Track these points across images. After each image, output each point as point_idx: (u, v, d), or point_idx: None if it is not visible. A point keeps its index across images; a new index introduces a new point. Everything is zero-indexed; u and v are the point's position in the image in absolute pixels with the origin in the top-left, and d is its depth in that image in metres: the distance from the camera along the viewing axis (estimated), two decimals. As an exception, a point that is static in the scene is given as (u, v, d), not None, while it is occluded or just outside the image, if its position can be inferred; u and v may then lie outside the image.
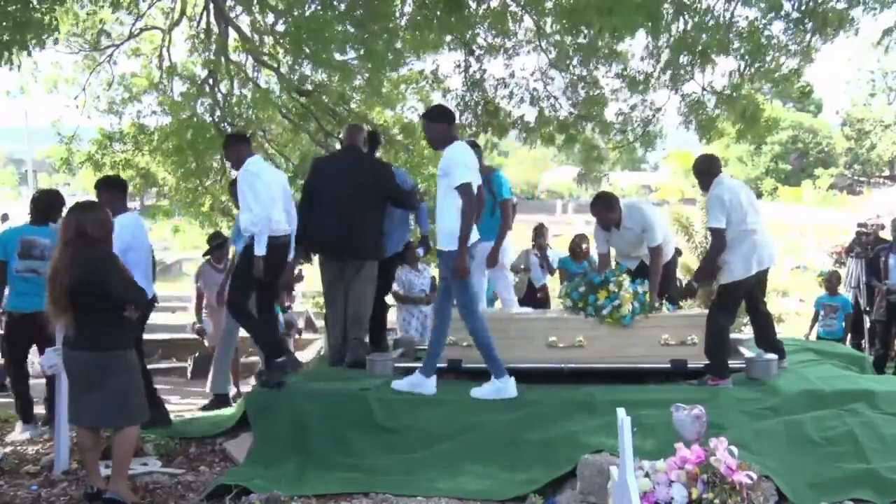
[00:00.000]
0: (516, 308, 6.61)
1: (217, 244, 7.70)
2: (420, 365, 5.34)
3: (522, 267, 8.12)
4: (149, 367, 6.26)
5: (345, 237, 5.80)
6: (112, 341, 4.16)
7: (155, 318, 10.02)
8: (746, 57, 6.42)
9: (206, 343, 7.65)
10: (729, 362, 5.29)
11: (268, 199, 5.15)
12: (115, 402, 4.17)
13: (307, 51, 7.46)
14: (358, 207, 5.77)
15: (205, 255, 7.89)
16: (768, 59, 6.45)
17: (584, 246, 8.09)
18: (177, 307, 14.33)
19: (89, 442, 4.27)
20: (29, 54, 6.35)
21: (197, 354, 7.69)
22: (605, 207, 5.94)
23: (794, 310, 12.93)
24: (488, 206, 6.14)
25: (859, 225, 9.04)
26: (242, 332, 8.20)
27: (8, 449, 5.31)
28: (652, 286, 5.71)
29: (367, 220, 5.83)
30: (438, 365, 5.60)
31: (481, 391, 5.09)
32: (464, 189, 4.79)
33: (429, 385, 5.17)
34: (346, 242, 5.81)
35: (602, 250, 6.21)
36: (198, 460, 4.99)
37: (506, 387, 5.04)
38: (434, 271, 8.02)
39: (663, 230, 6.02)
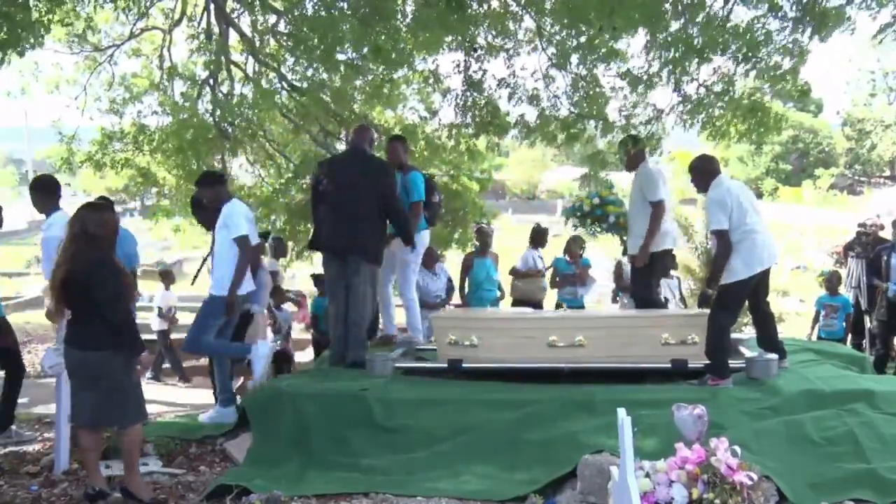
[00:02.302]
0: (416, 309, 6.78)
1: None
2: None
3: (542, 270, 8.11)
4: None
5: (344, 237, 5.82)
6: (102, 341, 4.13)
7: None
8: (745, 52, 6.38)
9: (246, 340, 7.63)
10: (729, 362, 5.28)
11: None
12: (110, 402, 4.18)
13: (311, 52, 7.44)
14: (358, 208, 5.80)
15: None
16: (764, 56, 6.42)
17: (577, 250, 8.10)
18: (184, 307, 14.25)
19: (89, 441, 4.27)
20: (21, 55, 6.33)
21: None
22: (633, 144, 6.38)
23: (794, 310, 12.94)
24: (406, 205, 6.26)
25: (859, 225, 9.03)
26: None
27: (7, 449, 5.32)
28: (644, 242, 5.99)
29: (367, 220, 5.84)
30: (438, 365, 5.63)
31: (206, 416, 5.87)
32: (240, 241, 5.47)
33: (229, 414, 5.69)
34: (346, 242, 5.84)
35: None
36: (198, 460, 5.00)
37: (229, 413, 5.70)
38: (450, 273, 8.02)
39: (664, 194, 6.06)
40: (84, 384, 4.21)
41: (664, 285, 8.28)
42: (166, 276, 10.81)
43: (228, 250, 5.51)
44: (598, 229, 7.28)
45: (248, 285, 5.67)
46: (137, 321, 5.23)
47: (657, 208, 6.02)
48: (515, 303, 8.20)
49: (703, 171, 5.40)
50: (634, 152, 6.35)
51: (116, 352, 4.13)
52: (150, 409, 6.15)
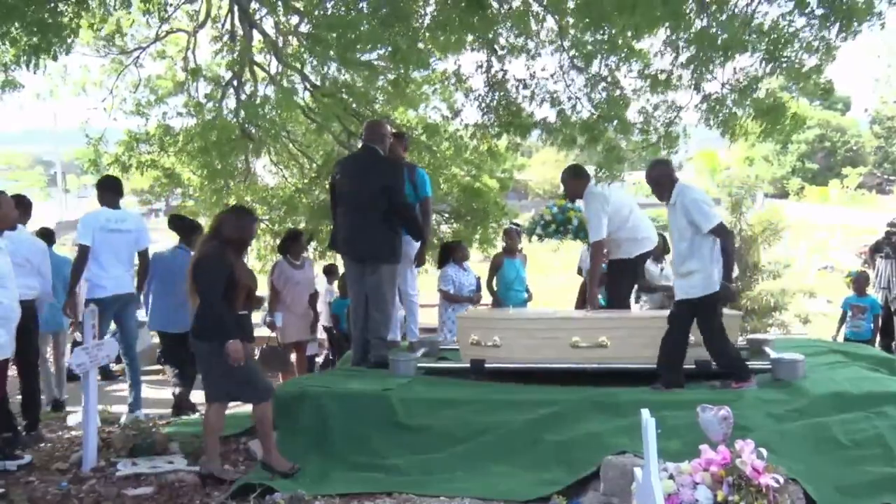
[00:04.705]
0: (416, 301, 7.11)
1: (292, 239, 7.79)
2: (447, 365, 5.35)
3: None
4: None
5: (359, 238, 5.82)
6: (200, 330, 4.48)
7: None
8: (770, 50, 6.28)
9: (277, 336, 7.71)
10: (752, 363, 5.22)
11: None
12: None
13: (332, 53, 7.48)
14: (369, 207, 5.78)
15: (280, 251, 7.94)
16: (790, 55, 6.32)
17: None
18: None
19: (208, 419, 4.76)
20: (55, 59, 6.44)
21: (265, 346, 7.75)
22: (569, 175, 6.40)
23: (820, 311, 12.76)
24: (413, 202, 6.26)
25: (888, 224, 8.89)
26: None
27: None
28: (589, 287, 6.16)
29: (379, 218, 5.80)
30: (461, 365, 5.64)
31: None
32: (81, 250, 5.70)
33: None
34: (361, 243, 5.84)
35: None
36: (222, 459, 5.03)
37: None
38: (477, 270, 8.09)
39: (600, 225, 6.02)
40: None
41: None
42: None
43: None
44: (565, 235, 7.20)
45: (122, 286, 5.94)
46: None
47: (596, 248, 6.10)
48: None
49: (668, 178, 5.18)
50: (574, 183, 6.32)
51: (202, 340, 4.48)
52: (153, 409, 6.33)
